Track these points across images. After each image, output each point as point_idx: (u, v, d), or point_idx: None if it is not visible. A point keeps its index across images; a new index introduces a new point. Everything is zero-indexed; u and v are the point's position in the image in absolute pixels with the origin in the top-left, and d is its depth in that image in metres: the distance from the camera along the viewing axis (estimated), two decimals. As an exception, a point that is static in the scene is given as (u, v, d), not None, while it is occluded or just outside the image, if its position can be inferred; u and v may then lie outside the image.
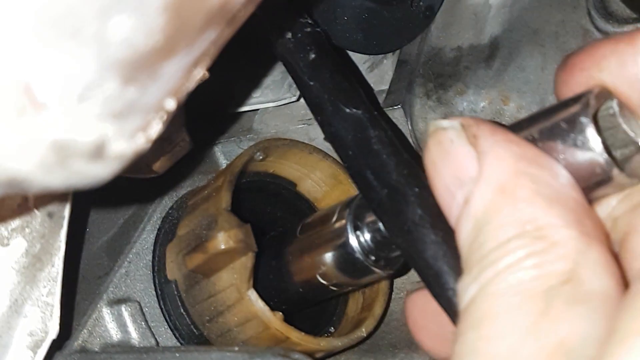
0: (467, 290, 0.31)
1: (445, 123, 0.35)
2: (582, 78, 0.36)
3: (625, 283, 0.31)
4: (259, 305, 0.62)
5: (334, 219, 0.61)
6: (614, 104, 0.35)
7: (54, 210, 0.54)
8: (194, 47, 0.35)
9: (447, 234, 0.44)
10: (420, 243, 0.44)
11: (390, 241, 0.57)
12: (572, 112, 0.34)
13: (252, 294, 0.62)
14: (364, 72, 0.80)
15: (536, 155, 0.33)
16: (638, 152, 0.34)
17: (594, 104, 0.34)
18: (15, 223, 0.52)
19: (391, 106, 0.76)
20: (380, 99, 0.78)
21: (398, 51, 0.79)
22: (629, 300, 0.27)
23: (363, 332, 0.67)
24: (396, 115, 0.75)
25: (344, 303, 0.73)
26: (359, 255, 0.59)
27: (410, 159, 0.49)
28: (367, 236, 0.59)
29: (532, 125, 0.35)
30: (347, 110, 0.52)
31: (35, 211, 0.53)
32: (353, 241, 0.59)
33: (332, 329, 0.72)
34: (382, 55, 0.81)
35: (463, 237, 0.33)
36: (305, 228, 0.65)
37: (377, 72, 0.81)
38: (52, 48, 0.30)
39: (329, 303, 0.74)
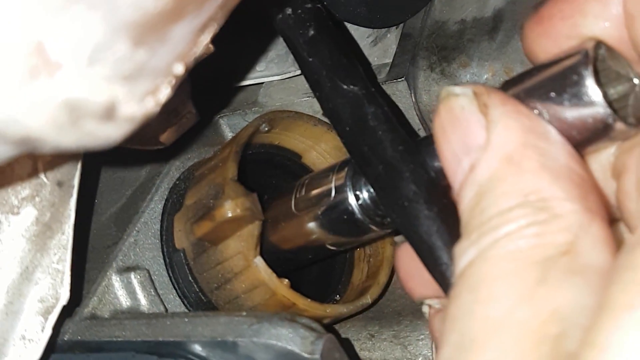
0: (464, 253, 0.32)
1: (457, 90, 0.35)
2: (564, 27, 0.36)
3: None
4: (266, 272, 0.63)
5: (332, 180, 0.61)
6: (603, 50, 0.35)
7: (63, 179, 0.55)
8: (202, 11, 0.36)
9: (441, 210, 0.45)
10: (414, 218, 0.44)
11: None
12: (572, 66, 0.34)
13: (259, 262, 0.63)
14: (367, 46, 0.81)
15: (545, 130, 0.33)
16: (633, 90, 0.35)
17: (592, 56, 0.34)
18: (25, 192, 0.53)
19: (395, 79, 0.76)
20: (384, 72, 0.78)
21: (402, 24, 0.79)
22: (616, 272, 0.27)
23: (368, 299, 0.68)
24: (400, 88, 0.76)
25: (349, 272, 0.74)
26: (359, 215, 0.59)
27: (406, 136, 0.50)
28: (366, 195, 0.59)
29: (530, 81, 0.36)
30: (345, 86, 0.52)
31: (45, 180, 0.54)
32: (352, 201, 0.59)
33: (337, 297, 0.73)
34: (386, 28, 0.81)
35: (465, 202, 0.33)
36: (301, 191, 0.65)
37: (381, 46, 0.82)
38: (63, 10, 0.31)
39: (334, 271, 0.75)
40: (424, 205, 0.45)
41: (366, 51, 0.81)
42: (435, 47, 0.76)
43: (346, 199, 0.59)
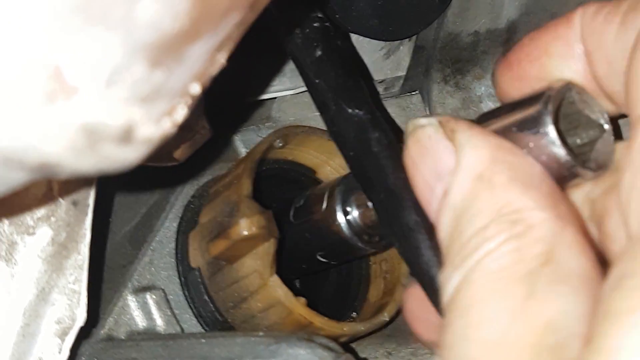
0: (450, 280, 0.32)
1: (423, 121, 0.36)
2: (533, 70, 0.37)
3: (603, 264, 0.31)
4: (283, 290, 0.62)
5: (324, 204, 0.62)
6: (573, 92, 0.36)
7: (78, 199, 0.55)
8: (218, 31, 0.36)
9: None
10: (415, 249, 0.44)
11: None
12: (534, 112, 0.35)
13: (275, 280, 0.62)
14: (380, 59, 0.80)
15: (512, 146, 0.34)
16: (602, 136, 0.36)
17: (556, 102, 0.35)
18: (41, 212, 0.53)
19: (409, 92, 0.76)
20: (398, 85, 0.78)
21: (414, 37, 0.79)
22: (613, 281, 0.27)
23: (385, 316, 0.68)
24: (414, 101, 0.75)
25: (366, 288, 0.74)
26: (345, 232, 0.61)
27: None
28: (356, 213, 0.60)
29: (496, 122, 0.36)
30: (350, 110, 0.52)
31: (60, 200, 0.54)
32: (340, 217, 0.61)
33: (354, 314, 0.73)
34: (399, 41, 0.80)
35: (443, 229, 0.34)
36: (299, 201, 0.66)
37: (394, 59, 0.81)
38: (81, 32, 0.31)
39: (350, 288, 0.74)
40: (425, 235, 0.44)
41: (379, 64, 0.81)
42: (448, 60, 0.76)
43: (334, 212, 0.61)
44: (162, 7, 0.31)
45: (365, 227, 0.60)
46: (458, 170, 0.33)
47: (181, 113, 0.38)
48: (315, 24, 0.57)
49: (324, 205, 0.62)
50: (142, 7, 0.31)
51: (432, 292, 0.43)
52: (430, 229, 0.45)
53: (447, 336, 0.31)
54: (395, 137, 0.51)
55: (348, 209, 0.60)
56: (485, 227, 0.31)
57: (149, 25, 0.32)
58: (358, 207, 0.60)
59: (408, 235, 0.45)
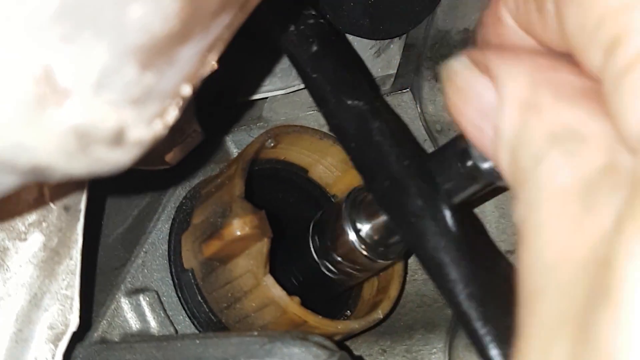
0: (518, 214, 0.30)
1: (455, 65, 0.34)
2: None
3: None
4: (276, 290, 0.62)
5: (338, 221, 0.62)
6: None
7: (70, 204, 0.54)
8: (209, 32, 0.36)
9: (449, 225, 0.45)
10: (422, 235, 0.44)
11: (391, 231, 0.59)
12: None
13: (269, 280, 0.62)
14: (371, 57, 0.80)
15: (549, 60, 0.32)
16: None
17: None
18: (32, 218, 0.53)
19: (399, 90, 0.76)
20: (389, 83, 0.78)
21: (405, 35, 0.79)
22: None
23: (379, 314, 0.68)
24: (405, 99, 0.75)
25: (360, 286, 0.73)
26: (363, 251, 0.61)
27: (413, 150, 0.50)
28: (367, 232, 0.60)
29: None
30: (349, 102, 0.52)
31: (52, 205, 0.54)
32: (355, 241, 0.61)
33: (348, 312, 0.73)
34: (389, 40, 0.80)
35: (504, 168, 0.32)
36: (315, 238, 0.67)
37: (385, 57, 0.81)
38: (71, 36, 0.31)
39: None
40: (431, 222, 0.44)
41: (370, 63, 0.81)
42: (439, 57, 0.76)
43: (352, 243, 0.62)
44: (152, 9, 0.31)
45: (377, 242, 0.60)
46: (502, 104, 0.31)
47: (172, 114, 0.38)
48: (310, 21, 0.56)
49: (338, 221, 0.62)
50: (132, 9, 0.31)
51: (439, 278, 0.43)
52: (436, 217, 0.44)
53: (521, 274, 0.29)
54: (396, 125, 0.51)
55: (357, 224, 0.61)
56: (540, 152, 0.29)
57: (139, 27, 0.32)
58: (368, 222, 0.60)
59: (414, 222, 0.44)
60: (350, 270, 0.64)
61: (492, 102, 0.32)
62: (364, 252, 0.61)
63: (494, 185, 0.43)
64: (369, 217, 0.60)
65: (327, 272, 0.65)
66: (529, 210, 0.29)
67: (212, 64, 0.39)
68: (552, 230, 0.28)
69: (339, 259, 0.64)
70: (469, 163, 0.42)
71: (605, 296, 0.25)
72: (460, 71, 0.34)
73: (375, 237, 0.60)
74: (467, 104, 0.34)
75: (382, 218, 0.60)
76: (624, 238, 0.25)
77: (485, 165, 0.40)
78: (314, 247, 0.65)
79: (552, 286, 0.28)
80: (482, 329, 0.43)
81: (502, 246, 0.73)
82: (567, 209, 0.28)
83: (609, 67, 0.27)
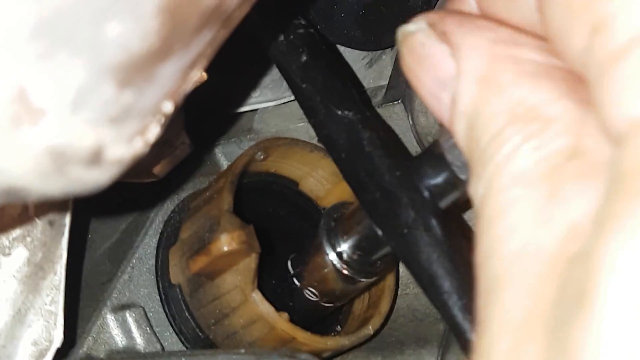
0: (476, 193, 0.29)
1: (411, 27, 0.32)
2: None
3: None
4: (264, 306, 0.62)
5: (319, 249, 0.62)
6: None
7: (54, 219, 0.54)
8: (190, 49, 0.35)
9: (441, 235, 0.44)
10: (414, 246, 0.44)
11: (379, 244, 0.58)
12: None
13: (257, 295, 0.62)
14: (362, 68, 0.80)
15: (512, 34, 0.30)
16: None
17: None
18: (16, 232, 0.52)
19: (391, 102, 0.75)
20: (380, 94, 0.77)
21: (396, 46, 0.79)
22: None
23: (370, 329, 0.67)
24: (397, 110, 0.75)
25: (350, 301, 0.73)
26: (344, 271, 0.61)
27: (404, 160, 0.49)
28: (348, 253, 0.60)
29: None
30: (339, 112, 0.52)
31: (36, 220, 0.53)
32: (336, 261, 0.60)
33: (338, 328, 0.72)
34: (381, 50, 0.80)
35: (460, 139, 0.30)
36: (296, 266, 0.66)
37: (376, 68, 0.81)
38: (47, 54, 0.30)
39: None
40: (423, 233, 0.44)
41: (361, 74, 0.80)
42: (431, 69, 0.75)
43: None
44: (130, 27, 0.31)
45: (357, 262, 0.60)
46: (460, 75, 0.30)
47: (154, 132, 0.37)
48: (299, 31, 0.56)
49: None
50: (110, 27, 0.30)
51: (432, 291, 0.43)
52: (428, 227, 0.44)
53: (478, 256, 0.28)
54: (387, 136, 0.51)
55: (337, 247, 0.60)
56: (500, 131, 0.28)
57: (116, 45, 0.31)
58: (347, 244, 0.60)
59: (406, 233, 0.44)
60: (328, 297, 0.64)
61: (450, 72, 0.30)
62: (345, 272, 0.60)
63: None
64: (346, 236, 0.60)
65: (309, 297, 0.65)
66: (490, 191, 0.28)
67: (197, 77, 0.39)
68: (515, 218, 0.26)
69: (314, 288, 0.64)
70: (446, 170, 0.42)
71: (580, 302, 0.23)
72: (417, 35, 0.32)
73: (355, 257, 0.60)
74: (424, 71, 0.32)
75: (361, 234, 0.59)
76: (604, 240, 0.23)
77: (463, 175, 0.40)
78: (294, 274, 0.65)
79: (517, 280, 0.26)
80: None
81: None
82: (531, 195, 0.26)
83: (596, 51, 0.25)
